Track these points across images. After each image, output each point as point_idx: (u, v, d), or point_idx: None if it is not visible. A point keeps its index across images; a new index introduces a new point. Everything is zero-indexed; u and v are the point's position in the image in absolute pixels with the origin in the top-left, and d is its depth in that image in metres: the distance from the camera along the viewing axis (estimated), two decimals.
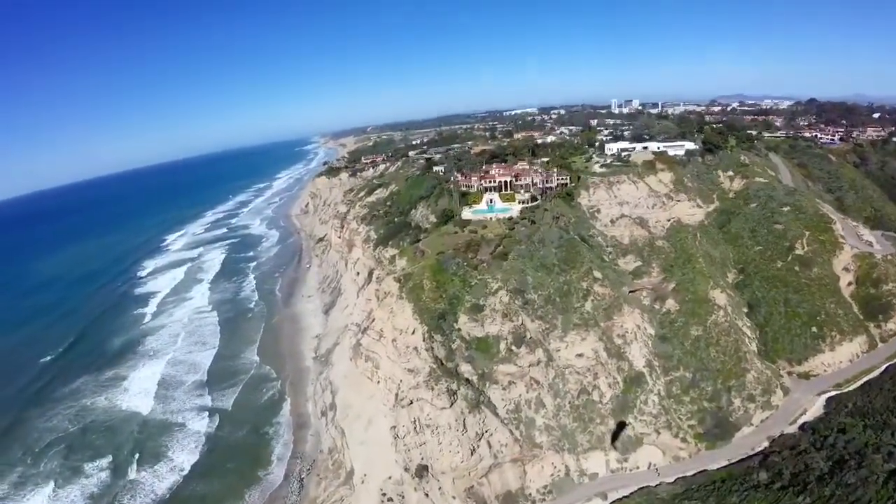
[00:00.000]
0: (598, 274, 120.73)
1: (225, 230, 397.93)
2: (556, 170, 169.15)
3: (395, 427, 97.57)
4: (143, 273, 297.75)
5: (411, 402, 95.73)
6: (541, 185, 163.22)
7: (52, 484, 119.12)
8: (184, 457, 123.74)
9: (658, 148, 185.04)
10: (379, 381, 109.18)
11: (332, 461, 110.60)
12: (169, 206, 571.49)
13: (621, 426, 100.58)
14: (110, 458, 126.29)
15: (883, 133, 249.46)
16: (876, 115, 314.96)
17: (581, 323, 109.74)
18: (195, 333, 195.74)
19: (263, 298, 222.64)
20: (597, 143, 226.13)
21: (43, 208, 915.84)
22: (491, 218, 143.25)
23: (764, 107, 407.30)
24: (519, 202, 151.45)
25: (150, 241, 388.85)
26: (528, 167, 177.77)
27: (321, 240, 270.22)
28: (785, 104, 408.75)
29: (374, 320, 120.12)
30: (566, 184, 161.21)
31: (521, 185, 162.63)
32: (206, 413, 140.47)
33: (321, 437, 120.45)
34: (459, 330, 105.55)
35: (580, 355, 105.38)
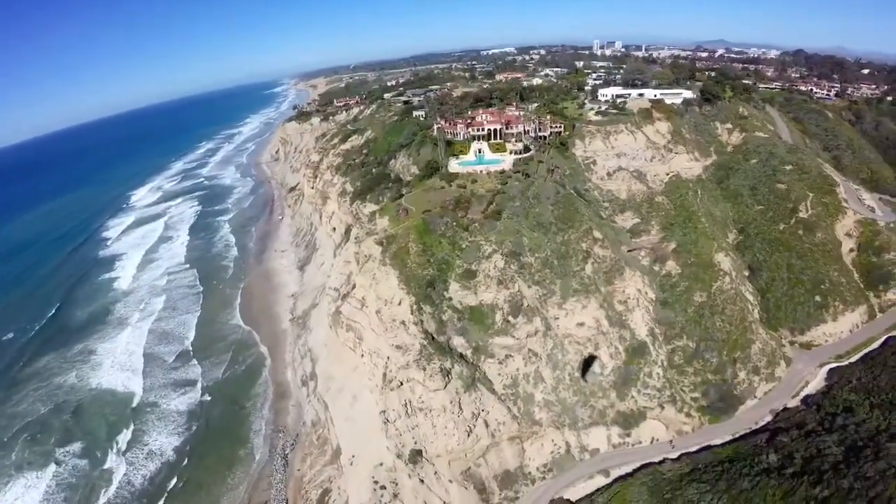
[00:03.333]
0: (597, 234, 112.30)
1: (194, 181, 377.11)
2: (549, 117, 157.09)
3: (384, 412, 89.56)
4: (112, 234, 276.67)
5: (401, 384, 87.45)
6: (533, 134, 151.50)
7: (25, 475, 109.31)
8: (164, 439, 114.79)
9: (655, 95, 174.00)
10: (363, 355, 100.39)
11: (316, 436, 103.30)
12: (135, 157, 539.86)
13: (591, 359, 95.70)
14: (87, 443, 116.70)
15: (877, 91, 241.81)
16: (865, 72, 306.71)
17: (581, 288, 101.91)
18: (172, 297, 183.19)
19: (240, 253, 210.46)
20: (587, 88, 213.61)
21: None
22: (481, 171, 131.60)
23: (751, 55, 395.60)
24: (511, 152, 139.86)
25: (117, 197, 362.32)
26: (518, 114, 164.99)
27: (293, 189, 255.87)
28: (772, 53, 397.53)
29: (354, 287, 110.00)
30: (560, 132, 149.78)
31: (513, 134, 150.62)
32: (188, 386, 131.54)
33: (303, 409, 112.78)
34: (450, 299, 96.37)
35: (581, 324, 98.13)
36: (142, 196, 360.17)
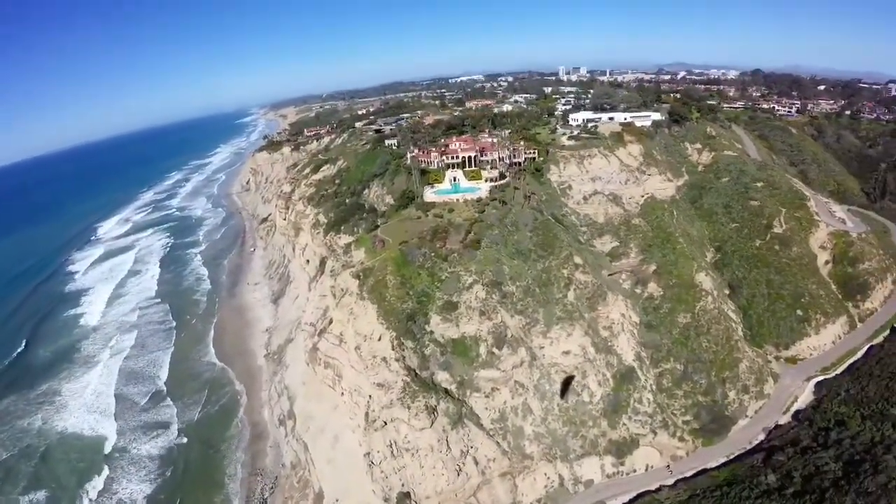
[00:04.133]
0: (578, 259, 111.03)
1: (164, 213, 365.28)
2: (522, 143, 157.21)
3: (369, 453, 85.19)
4: (79, 268, 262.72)
5: (385, 424, 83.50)
6: (507, 161, 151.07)
7: None
8: (137, 486, 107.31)
9: (625, 119, 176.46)
10: (343, 393, 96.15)
11: (296, 478, 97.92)
12: (102, 188, 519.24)
13: (569, 379, 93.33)
14: (55, 492, 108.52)
15: (836, 106, 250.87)
16: (821, 88, 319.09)
17: (565, 316, 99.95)
18: (143, 333, 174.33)
19: (212, 287, 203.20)
20: (556, 113, 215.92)
21: None
22: (457, 199, 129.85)
23: (712, 76, 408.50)
24: (486, 180, 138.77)
25: (85, 230, 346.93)
26: (492, 140, 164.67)
27: (265, 220, 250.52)
28: (731, 74, 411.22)
29: (331, 322, 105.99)
30: (534, 158, 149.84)
31: (487, 161, 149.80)
32: (161, 428, 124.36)
33: (281, 450, 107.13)
34: (432, 333, 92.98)
35: (567, 352, 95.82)
36: (110, 228, 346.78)
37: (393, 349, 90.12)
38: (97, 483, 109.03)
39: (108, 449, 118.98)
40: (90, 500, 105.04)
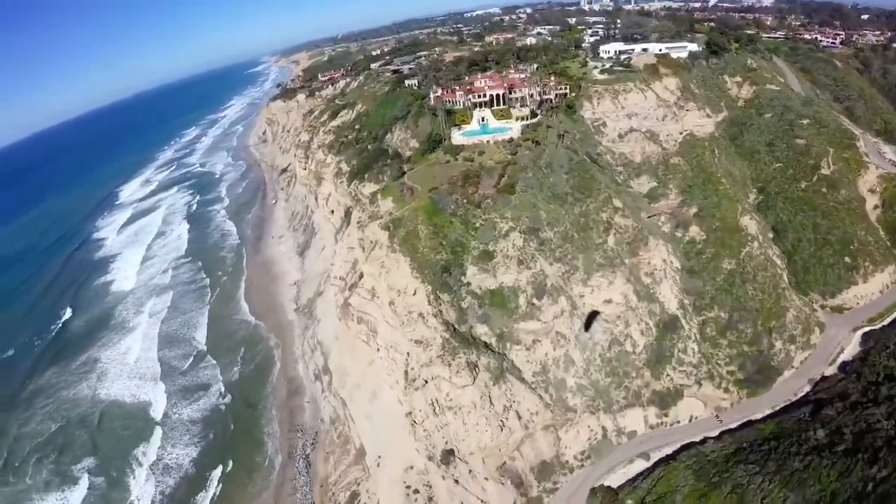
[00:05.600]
0: (617, 202, 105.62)
1: (185, 170, 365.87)
2: (552, 78, 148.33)
3: (411, 413, 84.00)
4: (108, 233, 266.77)
5: (426, 383, 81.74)
6: (537, 97, 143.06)
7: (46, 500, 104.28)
8: (186, 451, 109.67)
9: (660, 50, 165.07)
10: (379, 349, 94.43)
11: (336, 434, 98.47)
12: (121, 150, 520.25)
13: (594, 314, 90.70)
14: (111, 460, 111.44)
15: (882, 38, 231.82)
16: (865, 17, 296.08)
17: (605, 262, 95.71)
18: (178, 294, 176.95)
19: (239, 242, 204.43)
20: (584, 45, 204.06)
21: None
22: (487, 141, 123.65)
23: (745, 3, 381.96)
24: (517, 119, 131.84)
25: (109, 194, 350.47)
26: (521, 77, 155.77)
27: (284, 171, 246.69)
28: (767, 1, 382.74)
29: (362, 276, 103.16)
30: (566, 94, 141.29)
31: (517, 99, 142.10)
32: (205, 389, 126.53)
33: (319, 405, 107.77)
34: (469, 284, 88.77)
35: (608, 301, 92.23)
36: (133, 191, 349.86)
37: (429, 304, 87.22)
38: (151, 450, 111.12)
39: (158, 415, 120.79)
40: (146, 466, 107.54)
